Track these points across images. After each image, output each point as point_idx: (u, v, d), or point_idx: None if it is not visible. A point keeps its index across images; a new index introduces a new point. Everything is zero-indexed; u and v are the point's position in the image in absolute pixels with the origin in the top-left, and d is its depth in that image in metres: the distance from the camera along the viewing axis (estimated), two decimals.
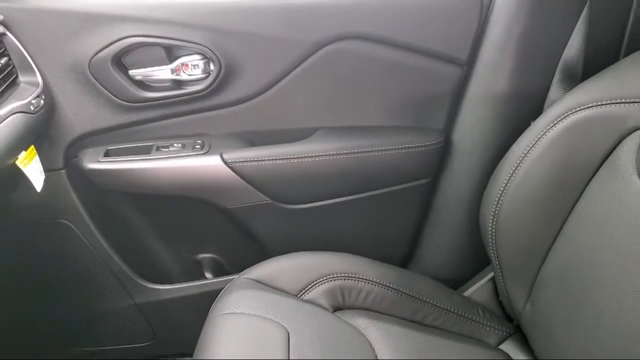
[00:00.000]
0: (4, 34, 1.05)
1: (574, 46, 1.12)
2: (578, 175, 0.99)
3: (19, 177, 1.05)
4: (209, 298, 1.09)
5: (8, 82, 1.02)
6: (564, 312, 0.95)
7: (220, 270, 1.38)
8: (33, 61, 1.09)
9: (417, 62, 1.19)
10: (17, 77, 1.06)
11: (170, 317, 1.37)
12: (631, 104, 0.95)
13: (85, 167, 1.18)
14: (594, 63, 1.07)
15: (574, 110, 0.99)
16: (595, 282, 0.89)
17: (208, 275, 1.37)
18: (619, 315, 0.81)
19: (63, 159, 1.19)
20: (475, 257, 1.23)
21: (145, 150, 1.20)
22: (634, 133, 0.94)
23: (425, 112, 1.25)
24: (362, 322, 1.05)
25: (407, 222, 1.32)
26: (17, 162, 1.01)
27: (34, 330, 1.37)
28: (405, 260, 1.37)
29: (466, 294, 1.24)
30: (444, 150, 1.26)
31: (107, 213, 1.28)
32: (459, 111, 1.25)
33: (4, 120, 0.94)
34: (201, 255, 1.39)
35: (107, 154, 1.19)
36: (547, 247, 1.02)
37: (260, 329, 0.96)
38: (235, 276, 1.12)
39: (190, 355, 1.01)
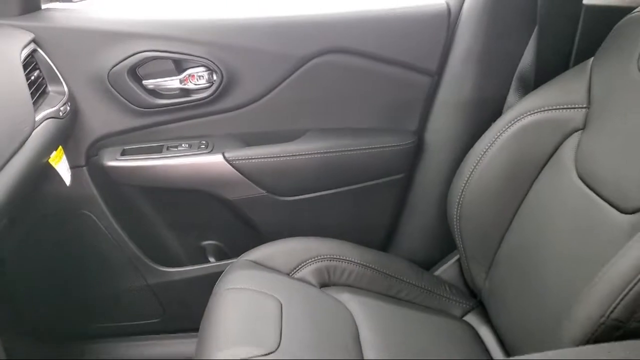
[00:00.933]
0: (35, 50, 1.18)
1: (527, 60, 1.26)
2: (529, 169, 1.13)
3: (49, 173, 1.18)
4: (212, 279, 1.22)
5: (40, 92, 1.15)
6: (516, 287, 1.10)
7: (221, 255, 1.50)
8: (60, 73, 1.22)
9: (394, 72, 1.33)
10: (46, 87, 1.19)
11: (178, 296, 1.49)
12: (572, 109, 1.10)
13: (104, 164, 1.31)
14: (543, 74, 1.21)
15: (526, 114, 1.14)
16: (540, 259, 1.04)
17: (211, 259, 1.49)
18: (561, 286, 0.95)
19: (85, 157, 1.33)
20: (444, 242, 1.36)
21: (157, 150, 1.33)
22: (574, 134, 1.09)
23: (400, 115, 1.38)
24: (345, 297, 1.19)
25: (385, 211, 1.45)
26: (50, 161, 1.14)
27: (59, 308, 1.49)
28: (384, 244, 1.49)
29: (436, 273, 1.38)
30: (417, 149, 1.40)
31: (123, 205, 1.40)
32: (430, 115, 1.38)
33: (39, 125, 1.07)
34: (205, 242, 1.51)
35: (123, 153, 1.32)
36: (502, 232, 1.16)
37: (258, 301, 1.10)
38: (235, 260, 1.25)
39: (196, 330, 1.12)
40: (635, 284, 0.73)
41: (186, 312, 1.46)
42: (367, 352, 1.06)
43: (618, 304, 0.73)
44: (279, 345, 0.99)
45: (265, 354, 0.97)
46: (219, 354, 0.97)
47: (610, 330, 0.74)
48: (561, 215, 1.03)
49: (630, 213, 0.88)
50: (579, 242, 0.96)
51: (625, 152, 0.95)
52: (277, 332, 1.03)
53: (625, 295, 0.73)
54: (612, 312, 0.73)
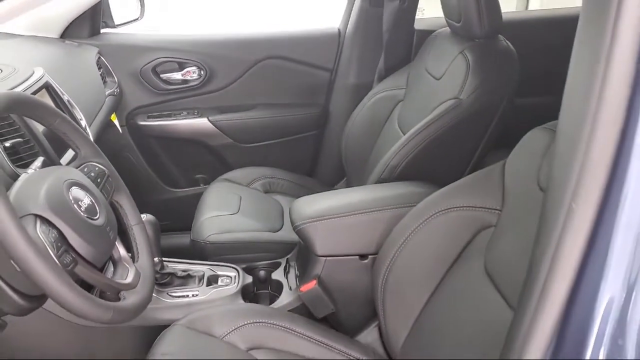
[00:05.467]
0: (99, 57, 1.95)
1: (382, 62, 2.05)
2: (379, 122, 1.92)
3: (109, 128, 1.96)
4: (200, 196, 1.97)
5: (103, 81, 1.92)
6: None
7: (207, 182, 2.23)
8: (112, 70, 1.99)
9: (308, 70, 2.13)
10: (105, 78, 1.96)
11: (181, 207, 2.21)
12: (399, 90, 1.89)
13: (138, 123, 2.08)
14: (390, 70, 2.01)
15: (378, 93, 1.94)
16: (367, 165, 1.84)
17: (201, 184, 2.26)
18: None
19: (125, 120, 2.10)
20: (341, 169, 2.11)
21: (168, 116, 2.11)
22: (399, 103, 1.89)
23: (313, 95, 2.18)
24: (278, 197, 1.98)
25: (306, 153, 2.24)
26: (111, 118, 1.92)
27: None
28: (307, 172, 2.26)
29: (336, 187, 2.19)
30: (324, 115, 2.19)
31: (148, 150, 2.15)
32: (331, 94, 2.18)
33: (106, 98, 1.85)
34: (197, 175, 2.26)
35: (149, 117, 2.10)
36: (368, 156, 1.95)
37: (227, 195, 1.89)
38: (215, 180, 2.05)
39: (189, 229, 1.87)
40: (392, 159, 1.53)
41: (185, 217, 2.18)
42: (285, 221, 1.85)
43: (384, 170, 1.55)
44: (238, 211, 1.79)
45: (230, 214, 1.77)
46: (203, 216, 1.76)
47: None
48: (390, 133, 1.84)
49: None
50: None
51: (412, 105, 1.76)
52: (237, 207, 1.82)
53: (387, 166, 1.54)
54: (381, 174, 1.55)
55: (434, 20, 2.13)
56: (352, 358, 1.26)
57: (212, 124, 2.11)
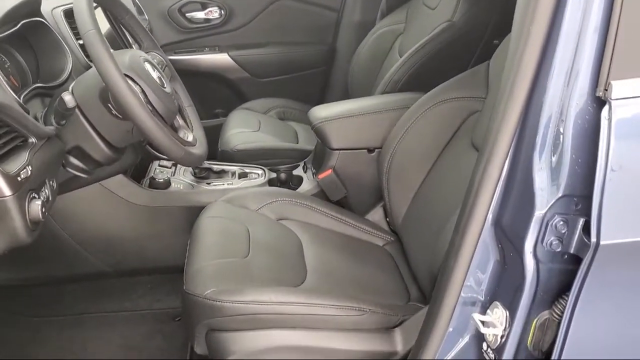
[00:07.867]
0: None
1: (383, 1, 2.28)
2: (382, 55, 2.14)
3: None
4: (220, 127, 2.20)
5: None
6: None
7: (224, 115, 2.46)
8: (144, 9, 2.21)
9: (318, 10, 2.37)
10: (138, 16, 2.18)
11: None
12: (399, 24, 2.11)
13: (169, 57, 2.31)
14: (391, 9, 2.23)
15: (378, 29, 2.16)
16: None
17: (220, 117, 2.50)
18: None
19: None
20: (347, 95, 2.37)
21: (193, 51, 2.34)
22: (400, 36, 2.11)
23: (322, 33, 2.41)
24: (292, 124, 2.23)
25: (316, 85, 2.47)
26: None
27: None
28: (317, 101, 2.49)
29: None
30: (332, 52, 2.43)
31: None
32: (338, 33, 2.41)
33: None
34: (217, 110, 2.50)
35: (175, 52, 2.33)
36: (372, 85, 2.19)
37: (247, 118, 2.13)
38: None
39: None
40: (394, 75, 1.77)
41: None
42: (300, 140, 2.09)
43: (388, 84, 1.78)
44: (259, 129, 2.03)
45: (252, 131, 2.01)
46: (229, 132, 2.00)
47: None
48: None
49: None
50: None
51: (411, 35, 1.99)
52: (258, 127, 2.06)
53: (390, 81, 1.77)
54: (385, 88, 1.78)
55: None
56: (361, 229, 1.51)
57: (231, 58, 2.35)
